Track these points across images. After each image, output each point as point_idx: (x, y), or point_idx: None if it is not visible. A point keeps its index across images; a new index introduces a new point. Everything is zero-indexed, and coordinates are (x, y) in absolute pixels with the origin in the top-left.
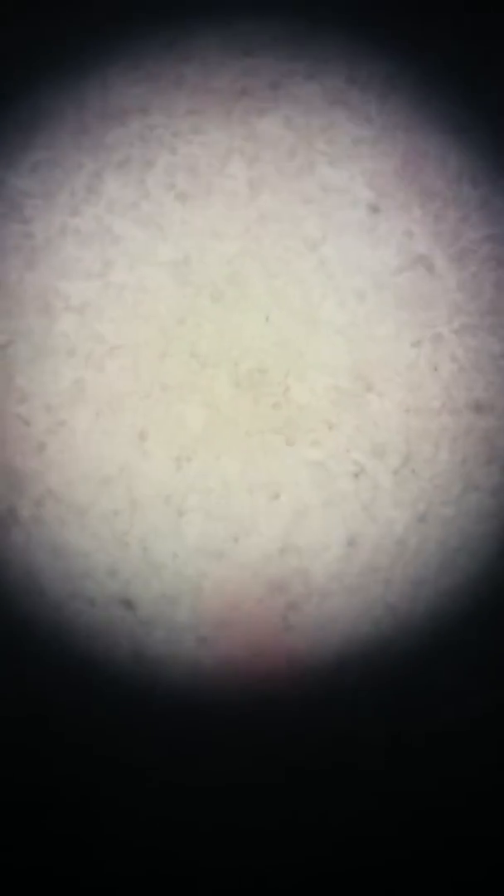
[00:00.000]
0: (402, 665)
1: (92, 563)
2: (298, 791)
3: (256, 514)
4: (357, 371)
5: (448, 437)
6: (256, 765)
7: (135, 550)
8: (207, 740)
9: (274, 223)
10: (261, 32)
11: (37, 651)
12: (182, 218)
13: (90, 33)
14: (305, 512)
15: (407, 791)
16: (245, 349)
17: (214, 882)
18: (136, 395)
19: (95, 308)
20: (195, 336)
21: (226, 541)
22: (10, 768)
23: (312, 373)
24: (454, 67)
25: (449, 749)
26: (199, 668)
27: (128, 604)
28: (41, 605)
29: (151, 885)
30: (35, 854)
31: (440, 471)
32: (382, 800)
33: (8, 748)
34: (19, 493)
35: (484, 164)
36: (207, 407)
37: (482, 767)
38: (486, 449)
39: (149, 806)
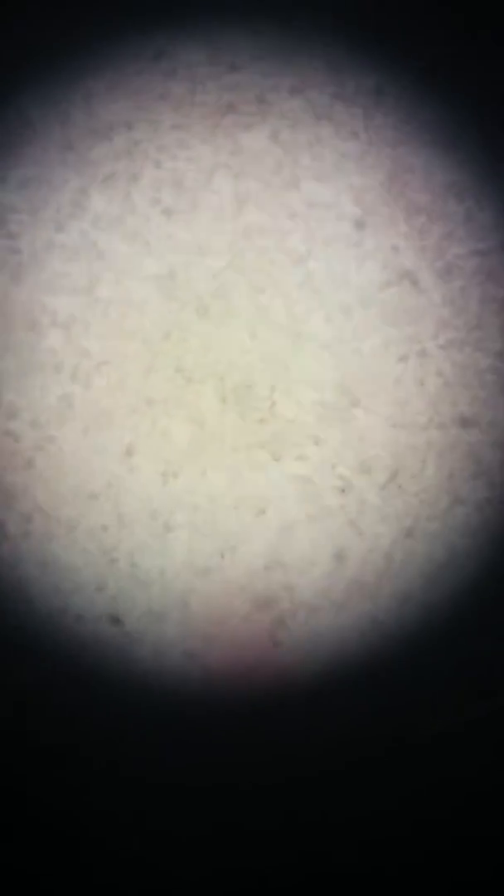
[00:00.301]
0: (389, 679)
1: (80, 578)
2: (286, 800)
3: (243, 529)
4: (343, 386)
5: (434, 451)
6: (244, 776)
7: (122, 566)
8: (195, 754)
9: (259, 238)
10: (246, 47)
11: (24, 666)
12: (168, 233)
13: (75, 48)
14: (292, 527)
15: (400, 797)
16: (231, 364)
17: (207, 889)
18: (123, 411)
19: (82, 323)
20: (181, 351)
21: (212, 556)
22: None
23: (298, 388)
24: (440, 82)
25: (438, 757)
26: (186, 684)
27: (115, 619)
28: (29, 620)
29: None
30: (27, 863)
31: (427, 485)
32: (375, 808)
33: None
34: (7, 509)
35: (469, 180)
36: (193, 422)
37: (469, 773)
38: (473, 464)
39: (138, 817)
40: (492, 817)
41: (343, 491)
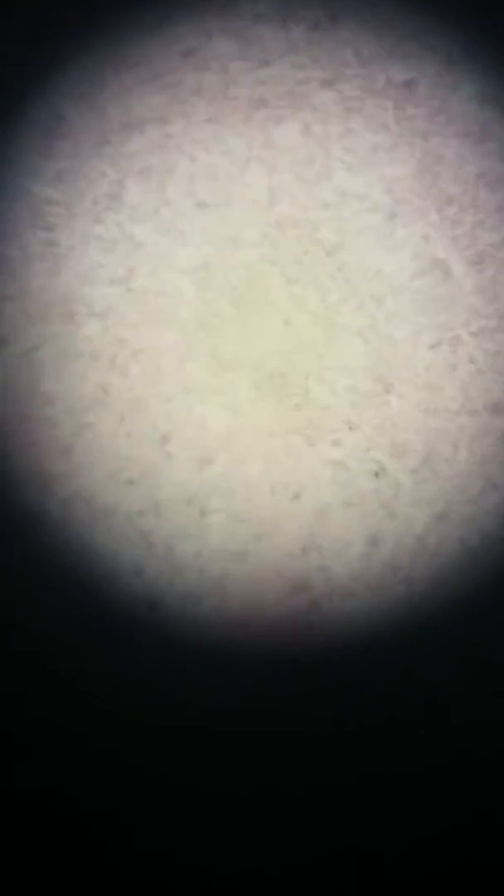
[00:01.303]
0: (423, 662)
1: (118, 563)
2: (316, 787)
3: (278, 514)
4: (376, 373)
5: (466, 437)
6: (275, 763)
7: (159, 551)
8: (228, 740)
9: (293, 229)
10: (278, 41)
11: (64, 651)
12: (202, 225)
13: (110, 43)
14: (326, 511)
15: (431, 784)
16: (265, 352)
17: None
18: (159, 399)
19: (118, 313)
20: (216, 340)
21: (248, 541)
22: (35, 769)
23: (332, 375)
24: (469, 73)
25: (471, 743)
26: (223, 666)
27: (153, 604)
28: (67, 604)
29: (162, 870)
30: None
31: (459, 470)
32: (404, 797)
33: (34, 750)
34: (47, 495)
35: (500, 169)
36: (229, 409)
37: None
38: None
39: (168, 809)
40: None
41: (377, 475)
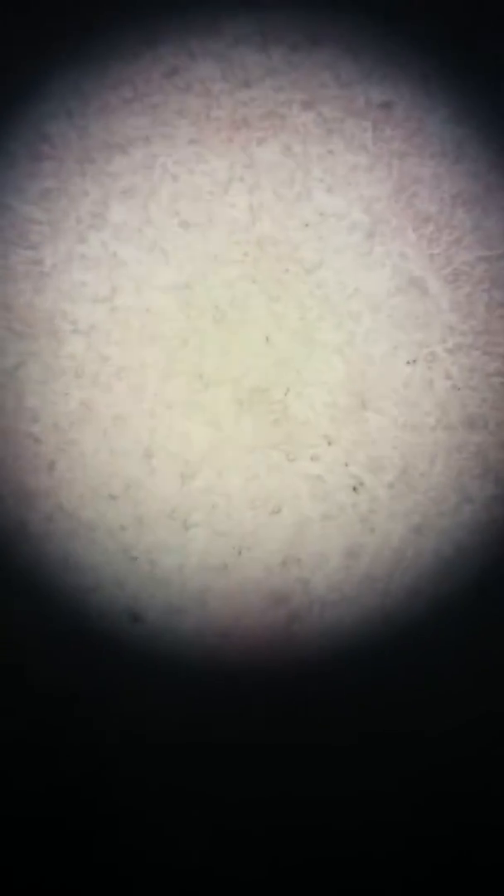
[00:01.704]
0: (400, 671)
1: (100, 576)
2: (298, 797)
3: (259, 527)
4: (354, 388)
5: (442, 451)
6: (259, 771)
7: (142, 564)
8: (212, 750)
9: (273, 248)
10: (259, 63)
11: (45, 663)
12: (185, 243)
13: (94, 64)
14: (306, 525)
15: (408, 792)
16: (246, 369)
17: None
18: (142, 415)
19: (102, 331)
20: (198, 357)
21: (229, 554)
22: (21, 771)
23: (311, 391)
24: (445, 95)
25: (449, 750)
26: (205, 678)
27: (135, 616)
28: (51, 617)
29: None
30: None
31: (435, 484)
32: (390, 810)
33: (18, 752)
34: (30, 509)
35: (476, 189)
36: (210, 425)
37: (482, 767)
38: (480, 463)
39: (151, 815)
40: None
41: (355, 490)
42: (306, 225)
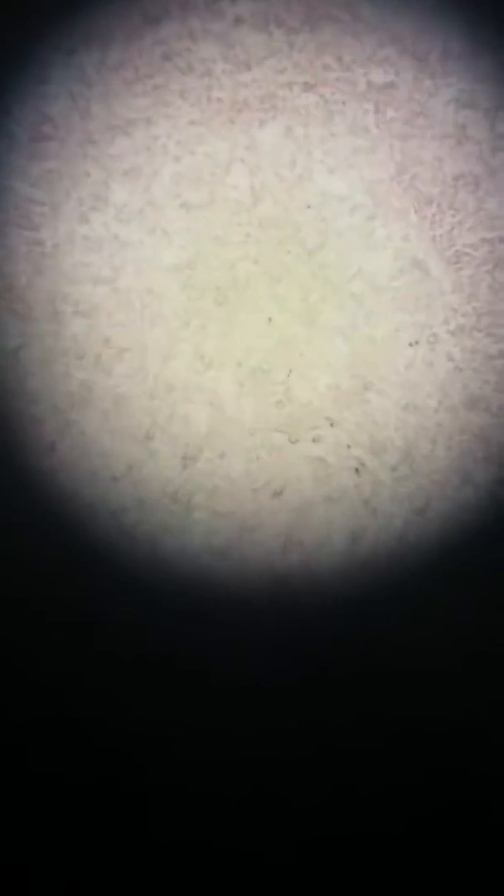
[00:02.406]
0: (401, 653)
1: (102, 559)
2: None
3: (260, 510)
4: (356, 370)
5: (444, 433)
6: (263, 752)
7: (143, 546)
8: (218, 737)
9: (275, 229)
10: (260, 45)
11: (51, 644)
12: (186, 225)
13: (96, 45)
14: (308, 507)
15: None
16: (248, 350)
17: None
18: (143, 396)
19: (103, 312)
20: (199, 338)
21: (231, 536)
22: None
23: (313, 372)
24: (447, 77)
25: (450, 735)
26: (209, 660)
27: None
28: (54, 600)
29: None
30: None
31: (437, 466)
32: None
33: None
34: (32, 491)
35: (478, 171)
36: (212, 406)
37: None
38: (482, 445)
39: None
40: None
41: (357, 471)
42: (308, 206)
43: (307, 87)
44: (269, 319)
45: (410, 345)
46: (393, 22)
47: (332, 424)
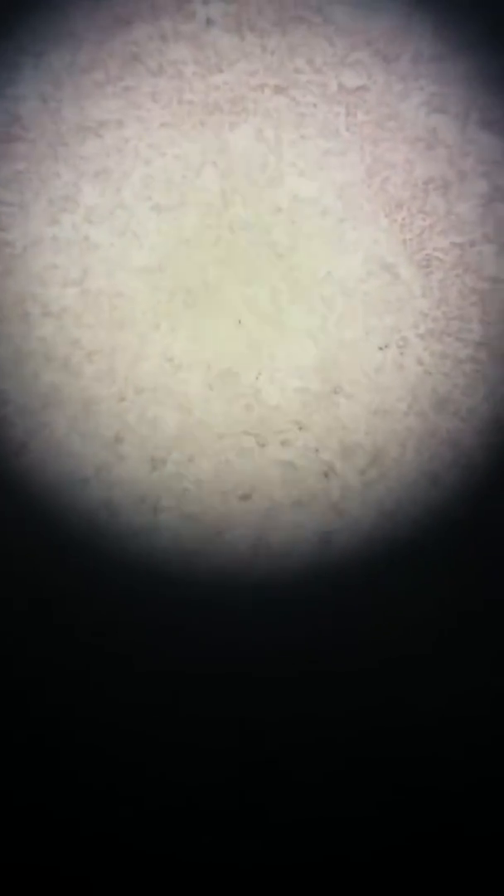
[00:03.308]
0: (374, 656)
1: (71, 561)
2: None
3: (229, 513)
4: (326, 374)
5: (414, 437)
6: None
7: (111, 549)
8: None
9: (245, 232)
10: (232, 47)
11: (19, 649)
12: (157, 227)
13: (66, 47)
14: (277, 511)
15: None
16: (217, 353)
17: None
18: (112, 399)
19: (72, 314)
20: (169, 340)
21: (200, 540)
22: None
23: (283, 375)
24: (419, 81)
25: (427, 730)
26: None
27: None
28: (23, 601)
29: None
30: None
31: (407, 470)
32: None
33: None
34: (1, 494)
35: (449, 175)
36: (181, 409)
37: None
38: (452, 449)
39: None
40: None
41: (326, 476)
42: (279, 209)
43: (278, 89)
44: (239, 322)
45: (380, 348)
46: (365, 25)
47: (301, 428)
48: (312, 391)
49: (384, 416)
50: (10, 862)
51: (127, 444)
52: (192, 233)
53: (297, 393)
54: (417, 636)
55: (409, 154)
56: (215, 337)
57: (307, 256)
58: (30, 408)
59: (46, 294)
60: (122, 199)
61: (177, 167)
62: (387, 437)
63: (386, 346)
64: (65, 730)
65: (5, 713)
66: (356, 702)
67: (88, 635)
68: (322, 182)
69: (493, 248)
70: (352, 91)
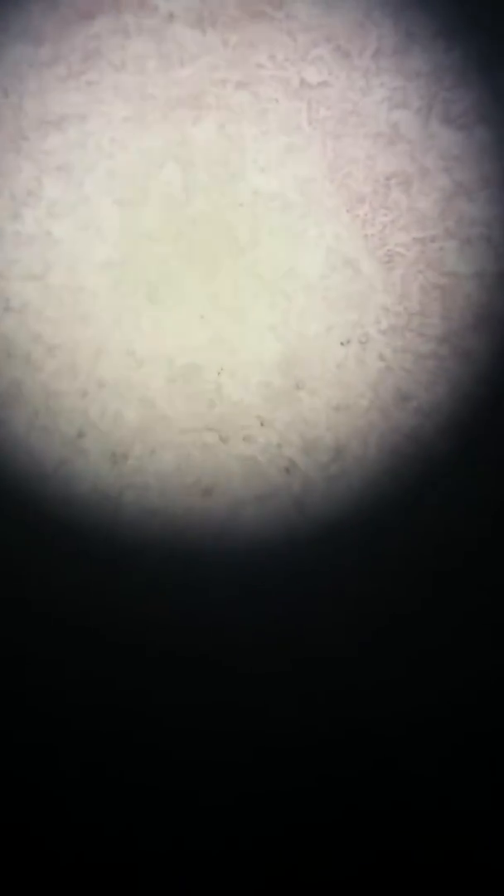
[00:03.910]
0: (336, 653)
1: (32, 556)
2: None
3: (191, 508)
4: (288, 369)
5: (376, 433)
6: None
7: (72, 544)
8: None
9: (207, 227)
10: (194, 42)
11: None
12: (119, 221)
13: (29, 41)
14: (238, 506)
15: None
16: (180, 348)
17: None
18: (74, 394)
19: (34, 309)
20: (131, 335)
21: (161, 534)
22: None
23: (245, 370)
24: (381, 77)
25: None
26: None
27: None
28: None
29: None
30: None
31: (368, 466)
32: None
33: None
34: None
35: (410, 170)
36: (143, 404)
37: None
38: (413, 445)
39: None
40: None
41: (288, 471)
42: (241, 204)
43: (240, 84)
44: (201, 317)
45: (342, 344)
46: (326, 21)
47: (263, 423)
48: (274, 386)
49: (346, 412)
50: None
51: (89, 438)
52: (154, 227)
53: (259, 388)
54: (378, 630)
55: (370, 149)
56: (177, 332)
57: (269, 251)
58: None
59: (8, 289)
60: (85, 194)
61: (139, 162)
62: (348, 433)
63: (348, 342)
64: (43, 711)
65: None
66: (321, 693)
67: (51, 628)
68: (284, 177)
69: (455, 243)
70: (313, 86)
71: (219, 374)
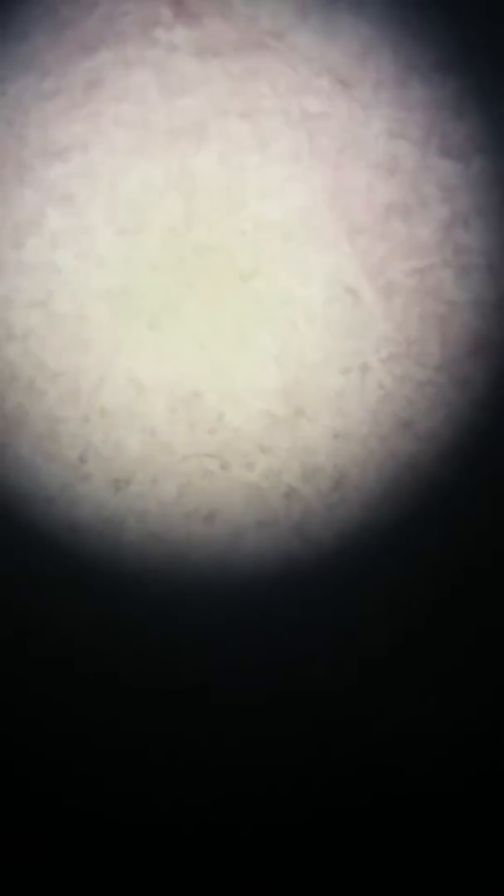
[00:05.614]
0: (337, 681)
1: (35, 580)
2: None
3: (192, 535)
4: (289, 397)
5: (375, 460)
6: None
7: (74, 569)
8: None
9: (208, 255)
10: (195, 72)
11: None
12: (121, 250)
13: (32, 73)
14: (239, 533)
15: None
16: (181, 375)
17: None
18: (77, 420)
19: (37, 336)
20: (133, 362)
21: (162, 561)
22: None
23: (246, 398)
24: (380, 108)
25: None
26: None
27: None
28: None
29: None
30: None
31: (368, 493)
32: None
33: None
34: None
35: (410, 200)
36: (145, 431)
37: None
38: (412, 472)
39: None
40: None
41: (288, 498)
42: (242, 233)
43: (241, 114)
44: (202, 345)
45: (342, 372)
46: (326, 52)
47: (263, 451)
48: (275, 414)
49: (346, 439)
50: None
51: (91, 465)
52: (156, 256)
53: (260, 416)
54: (380, 657)
55: (370, 179)
56: (179, 360)
57: (270, 280)
58: None
59: (11, 317)
60: (87, 223)
61: (141, 191)
62: (349, 460)
63: (348, 370)
64: (33, 750)
65: None
66: (319, 720)
67: (52, 655)
68: (284, 206)
69: (452, 272)
70: (314, 117)
71: (220, 401)
